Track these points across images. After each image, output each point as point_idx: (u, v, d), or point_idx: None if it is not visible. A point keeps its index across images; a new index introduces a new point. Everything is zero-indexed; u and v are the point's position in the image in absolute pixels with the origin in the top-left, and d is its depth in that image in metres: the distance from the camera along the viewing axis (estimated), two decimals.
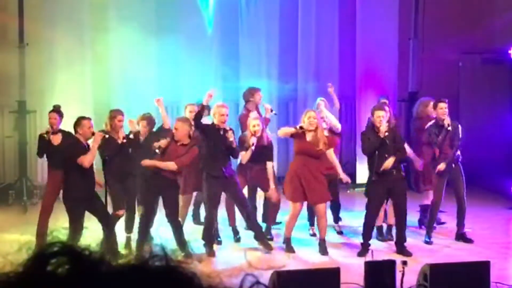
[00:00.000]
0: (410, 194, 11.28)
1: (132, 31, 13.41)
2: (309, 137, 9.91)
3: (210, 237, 10.09)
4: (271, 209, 10.93)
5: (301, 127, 9.85)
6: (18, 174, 13.62)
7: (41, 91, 13.59)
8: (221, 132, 9.88)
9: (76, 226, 9.02)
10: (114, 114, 10.06)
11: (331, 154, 10.39)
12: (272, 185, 10.58)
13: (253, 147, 10.28)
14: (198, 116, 9.90)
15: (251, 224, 10.29)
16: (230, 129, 10.05)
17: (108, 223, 9.38)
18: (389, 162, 9.88)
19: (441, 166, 10.38)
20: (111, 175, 9.65)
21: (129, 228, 10.17)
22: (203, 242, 10.00)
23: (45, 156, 10.32)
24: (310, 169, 9.87)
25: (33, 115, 13.87)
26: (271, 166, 10.70)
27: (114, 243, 9.24)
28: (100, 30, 13.80)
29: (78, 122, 9.25)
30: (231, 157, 10.17)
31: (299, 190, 9.89)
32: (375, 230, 10.44)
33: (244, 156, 10.46)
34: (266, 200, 11.03)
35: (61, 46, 13.50)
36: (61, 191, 9.86)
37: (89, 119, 9.34)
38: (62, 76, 13.51)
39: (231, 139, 9.88)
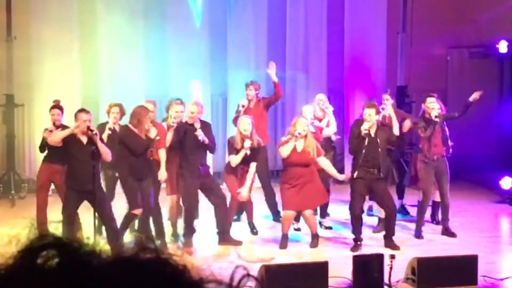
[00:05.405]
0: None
1: (120, 24, 13.37)
2: (299, 147, 9.88)
3: (190, 232, 10.06)
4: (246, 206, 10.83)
5: (299, 134, 9.79)
6: (5, 168, 13.56)
7: (29, 85, 13.52)
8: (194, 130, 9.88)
9: (66, 216, 9.01)
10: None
11: (323, 161, 10.21)
12: (247, 184, 10.27)
13: (248, 151, 10.06)
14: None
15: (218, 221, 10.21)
16: (204, 124, 10.10)
17: (109, 222, 9.21)
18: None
19: (476, 95, 10.65)
20: (126, 172, 9.51)
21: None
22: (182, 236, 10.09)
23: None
24: (304, 176, 9.90)
25: (21, 109, 13.81)
26: (254, 166, 10.31)
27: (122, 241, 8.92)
28: (88, 23, 13.74)
29: (75, 114, 9.23)
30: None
31: (294, 199, 9.88)
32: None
33: (234, 159, 10.22)
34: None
35: (49, 39, 13.41)
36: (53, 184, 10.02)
37: (86, 112, 9.25)
38: (50, 69, 13.44)
39: (200, 137, 9.82)
